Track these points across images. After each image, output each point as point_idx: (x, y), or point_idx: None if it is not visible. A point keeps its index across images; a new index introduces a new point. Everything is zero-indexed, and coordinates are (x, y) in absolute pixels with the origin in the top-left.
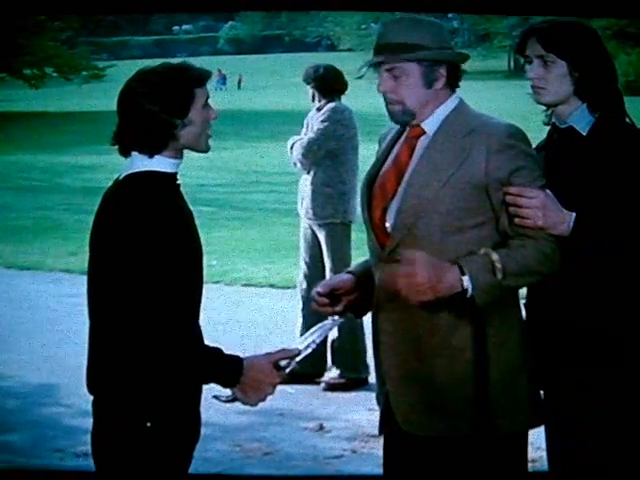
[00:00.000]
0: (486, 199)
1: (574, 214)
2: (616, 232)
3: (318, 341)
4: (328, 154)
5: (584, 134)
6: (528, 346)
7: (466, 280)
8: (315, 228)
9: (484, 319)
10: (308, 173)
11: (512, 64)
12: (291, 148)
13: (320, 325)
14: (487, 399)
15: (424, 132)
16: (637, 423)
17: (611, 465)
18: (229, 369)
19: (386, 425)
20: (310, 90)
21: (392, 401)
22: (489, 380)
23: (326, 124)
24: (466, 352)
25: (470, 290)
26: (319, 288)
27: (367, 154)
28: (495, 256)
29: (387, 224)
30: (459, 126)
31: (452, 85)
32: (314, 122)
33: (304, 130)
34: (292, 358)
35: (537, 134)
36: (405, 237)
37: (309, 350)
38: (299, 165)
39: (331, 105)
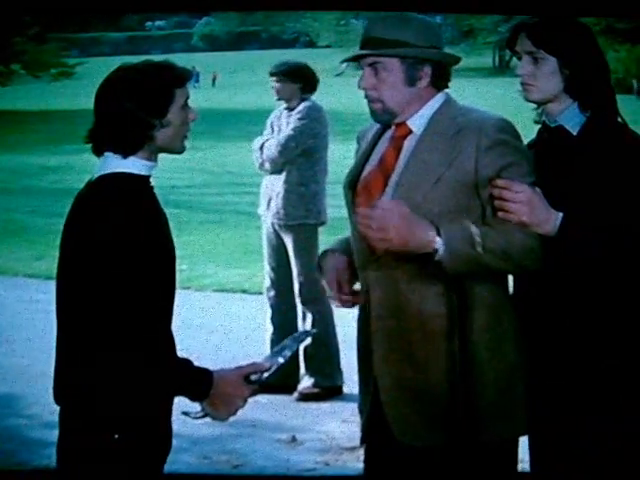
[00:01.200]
0: (477, 198)
1: (561, 214)
2: (604, 234)
3: (290, 354)
4: (304, 152)
5: (574, 133)
6: (523, 349)
7: (439, 242)
8: (282, 231)
9: (478, 324)
10: (280, 173)
11: (497, 61)
12: (260, 148)
13: (293, 337)
14: (483, 405)
15: (411, 131)
16: (629, 425)
17: (598, 467)
18: (198, 382)
19: (371, 434)
20: (278, 87)
21: (387, 412)
22: (485, 385)
23: (305, 122)
24: (462, 357)
25: (441, 252)
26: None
27: (337, 154)
28: (474, 229)
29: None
30: (448, 124)
31: (438, 85)
32: (289, 120)
33: (267, 131)
34: (263, 372)
35: (524, 132)
36: None
37: (281, 363)
38: (268, 165)
39: (308, 103)
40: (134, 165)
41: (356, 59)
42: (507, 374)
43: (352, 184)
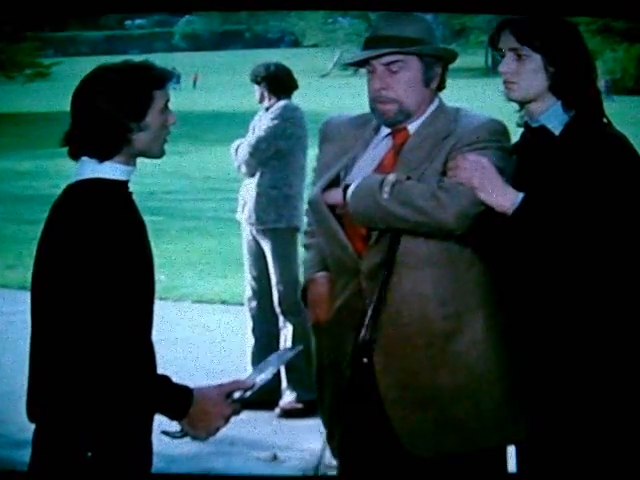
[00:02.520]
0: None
1: (522, 194)
2: (566, 218)
3: (275, 371)
4: (276, 154)
5: (557, 134)
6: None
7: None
8: (259, 237)
9: (481, 324)
10: (252, 176)
11: (490, 61)
12: (236, 150)
13: (277, 354)
14: (491, 408)
15: (409, 136)
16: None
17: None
18: (177, 400)
19: (372, 449)
20: (259, 90)
21: (395, 425)
22: (491, 386)
23: (276, 122)
24: (467, 358)
25: (348, 194)
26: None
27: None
28: (391, 176)
29: (372, 232)
30: (439, 128)
31: (440, 86)
32: (263, 122)
33: (250, 134)
34: (246, 390)
35: (517, 136)
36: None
37: (264, 382)
38: (244, 168)
39: (282, 103)
40: (111, 170)
41: (374, 58)
42: (510, 375)
43: (330, 186)
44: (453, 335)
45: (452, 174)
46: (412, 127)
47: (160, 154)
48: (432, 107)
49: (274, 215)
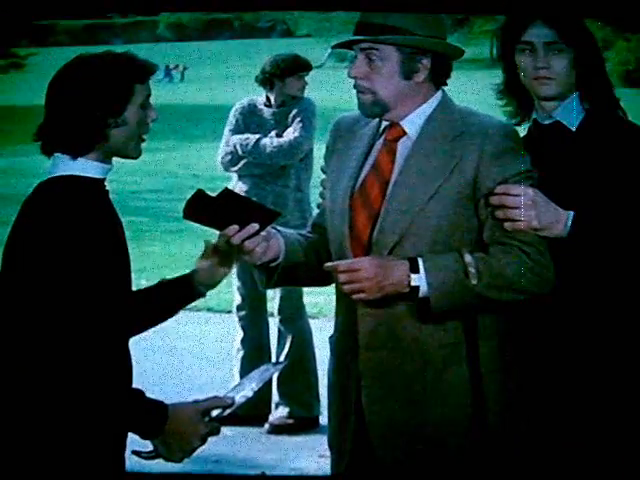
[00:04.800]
0: (475, 213)
1: (572, 213)
2: (620, 232)
3: (257, 388)
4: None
5: (573, 129)
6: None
7: (416, 278)
8: None
9: (483, 352)
10: (269, 175)
11: (495, 51)
12: (254, 146)
13: (260, 369)
14: (486, 445)
15: (404, 133)
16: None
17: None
18: (150, 418)
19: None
20: (304, 83)
21: (380, 455)
22: (488, 424)
23: (311, 118)
24: (462, 391)
25: (424, 289)
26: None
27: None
28: (468, 257)
29: (372, 240)
30: (446, 127)
31: (437, 81)
32: (293, 116)
33: (232, 127)
34: (225, 408)
35: (523, 134)
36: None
37: (245, 399)
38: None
39: (306, 97)
40: (85, 167)
41: (348, 45)
42: (513, 408)
43: (350, 191)
44: (451, 363)
45: (502, 214)
46: (407, 124)
47: (136, 154)
48: (430, 104)
49: (300, 219)
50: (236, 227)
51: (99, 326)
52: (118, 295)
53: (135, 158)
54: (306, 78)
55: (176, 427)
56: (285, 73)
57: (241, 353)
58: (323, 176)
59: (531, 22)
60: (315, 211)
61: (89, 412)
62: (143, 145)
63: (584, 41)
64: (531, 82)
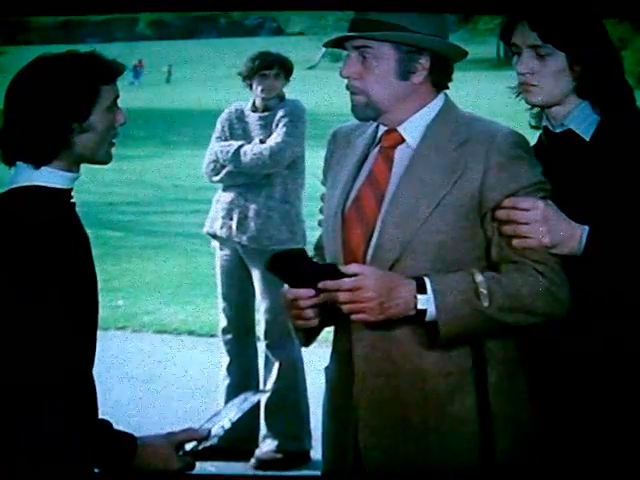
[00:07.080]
0: (482, 226)
1: (587, 227)
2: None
3: (235, 419)
4: (292, 162)
5: (587, 138)
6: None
7: (423, 300)
8: (250, 258)
9: (491, 382)
10: (252, 186)
11: (502, 51)
12: (235, 154)
13: (239, 398)
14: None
15: (403, 140)
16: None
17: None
18: (117, 451)
19: None
20: (272, 83)
21: None
22: (496, 461)
23: (296, 123)
24: (469, 424)
25: (431, 313)
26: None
27: (309, 163)
28: (479, 277)
29: (368, 257)
30: (449, 134)
31: (437, 83)
32: (276, 121)
33: (219, 134)
34: (200, 441)
35: (531, 138)
36: None
37: (222, 431)
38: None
39: (292, 99)
40: (49, 177)
41: (341, 42)
42: (525, 443)
43: (344, 202)
44: (456, 393)
45: (510, 230)
46: (404, 129)
47: (106, 159)
48: (431, 108)
49: (287, 233)
50: (312, 291)
51: (62, 351)
52: (83, 317)
53: (106, 164)
54: (298, 78)
55: (146, 462)
56: (251, 73)
57: (227, 381)
58: (323, 189)
59: (517, 23)
60: (318, 230)
61: (52, 445)
62: (119, 152)
63: (582, 44)
64: (521, 87)
